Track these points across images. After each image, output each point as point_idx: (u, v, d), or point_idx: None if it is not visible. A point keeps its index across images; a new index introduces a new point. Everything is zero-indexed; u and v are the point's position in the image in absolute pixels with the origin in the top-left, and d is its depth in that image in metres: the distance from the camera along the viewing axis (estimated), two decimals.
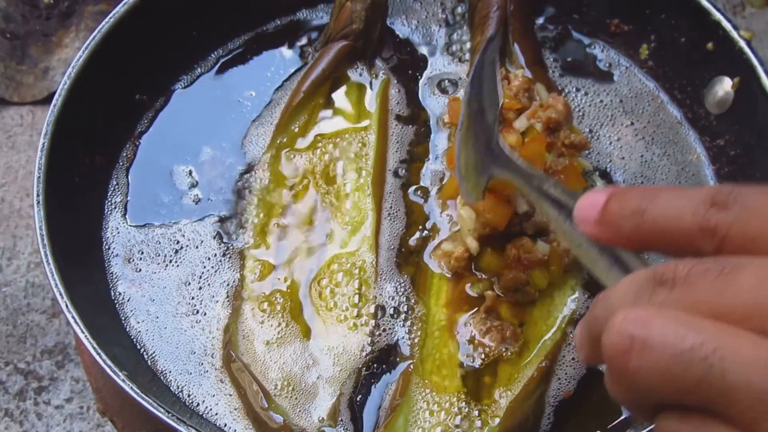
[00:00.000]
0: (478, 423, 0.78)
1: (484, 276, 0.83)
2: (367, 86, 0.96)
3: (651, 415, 0.42)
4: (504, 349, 0.81)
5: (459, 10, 1.00)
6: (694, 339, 0.38)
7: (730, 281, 0.39)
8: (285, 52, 0.99)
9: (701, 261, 0.40)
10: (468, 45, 0.98)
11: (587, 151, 0.90)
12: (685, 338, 0.38)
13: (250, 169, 0.92)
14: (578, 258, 0.54)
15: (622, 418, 0.80)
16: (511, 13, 0.95)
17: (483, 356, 0.80)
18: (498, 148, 0.72)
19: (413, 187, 0.90)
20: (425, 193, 0.90)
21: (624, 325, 0.40)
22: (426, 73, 0.97)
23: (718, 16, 0.88)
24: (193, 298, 0.85)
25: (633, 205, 0.45)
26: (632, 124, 0.94)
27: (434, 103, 0.95)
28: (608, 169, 0.91)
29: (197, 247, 0.88)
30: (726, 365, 0.37)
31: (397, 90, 0.96)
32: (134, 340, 0.84)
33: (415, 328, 0.83)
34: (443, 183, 0.89)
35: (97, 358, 0.74)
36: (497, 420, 0.78)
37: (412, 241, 0.87)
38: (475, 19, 0.96)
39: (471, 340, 0.81)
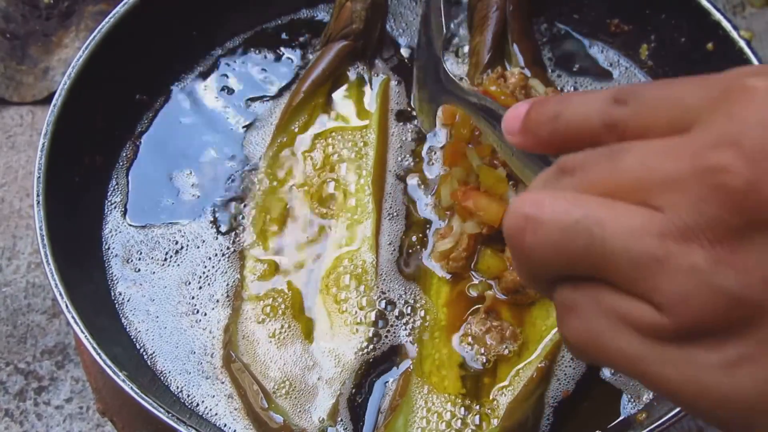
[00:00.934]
0: (478, 423, 0.78)
1: (483, 278, 0.84)
2: (367, 86, 0.97)
3: (551, 290, 0.45)
4: (504, 349, 0.81)
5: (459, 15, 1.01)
6: (579, 213, 0.41)
7: (617, 162, 0.42)
8: (285, 52, 0.99)
9: (596, 149, 0.44)
10: (468, 46, 0.99)
11: None
12: (571, 212, 0.41)
13: (250, 169, 0.92)
14: (511, 168, 0.60)
15: (622, 418, 0.80)
16: (510, 14, 0.95)
17: (484, 357, 0.80)
18: (445, 75, 0.78)
19: (413, 181, 0.90)
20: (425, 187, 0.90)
21: (520, 206, 0.43)
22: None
23: (718, 16, 0.88)
24: (193, 298, 0.85)
25: (549, 111, 0.48)
26: None
27: None
28: None
29: (197, 247, 0.88)
30: (606, 234, 0.40)
31: (397, 90, 0.96)
32: (134, 340, 0.84)
33: (414, 328, 0.83)
34: (438, 185, 0.89)
35: (97, 358, 0.74)
36: (497, 420, 0.78)
37: (413, 241, 0.87)
38: (475, 20, 0.97)
39: (470, 341, 0.81)
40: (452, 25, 0.93)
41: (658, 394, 0.41)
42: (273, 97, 0.96)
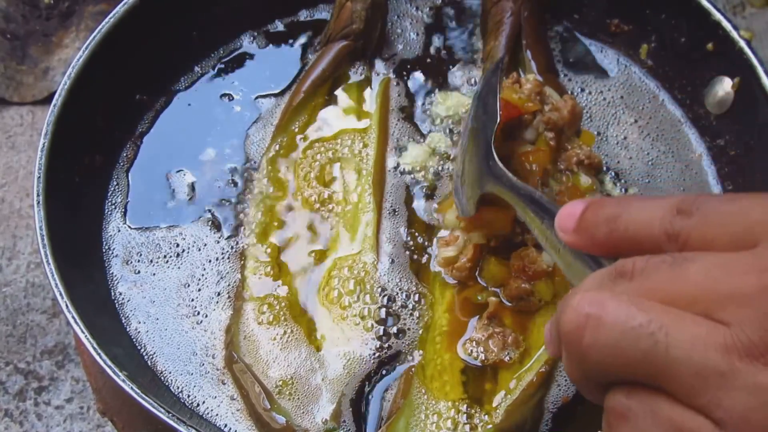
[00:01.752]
0: (478, 425, 0.78)
1: (487, 286, 0.84)
2: (368, 86, 0.96)
3: (602, 394, 0.45)
4: (505, 356, 0.81)
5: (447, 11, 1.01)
6: (642, 318, 0.41)
7: (681, 271, 0.42)
8: (285, 52, 0.99)
9: (658, 255, 0.44)
10: (469, 46, 0.99)
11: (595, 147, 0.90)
12: (634, 317, 0.41)
13: (250, 169, 0.92)
14: (557, 263, 0.59)
15: None
16: (525, 19, 0.95)
17: (483, 355, 0.80)
18: (494, 162, 0.75)
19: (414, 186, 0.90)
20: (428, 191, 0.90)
21: (580, 305, 0.44)
22: (424, 72, 0.98)
23: (718, 16, 0.88)
24: (193, 299, 0.85)
25: (607, 213, 0.48)
26: (636, 121, 0.94)
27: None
28: (617, 171, 0.91)
29: (198, 249, 0.88)
30: (670, 341, 0.40)
31: (397, 90, 0.96)
32: (134, 340, 0.84)
33: (417, 331, 0.83)
34: (441, 199, 0.89)
35: (97, 358, 0.74)
36: (496, 421, 0.78)
37: (416, 241, 0.87)
38: (489, 24, 0.96)
39: (473, 346, 0.81)
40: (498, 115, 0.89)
41: None
42: (273, 97, 0.96)
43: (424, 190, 0.90)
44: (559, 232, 0.52)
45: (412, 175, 0.91)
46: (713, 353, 0.39)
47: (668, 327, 0.40)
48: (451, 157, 0.90)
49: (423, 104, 0.95)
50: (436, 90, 0.96)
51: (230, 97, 0.96)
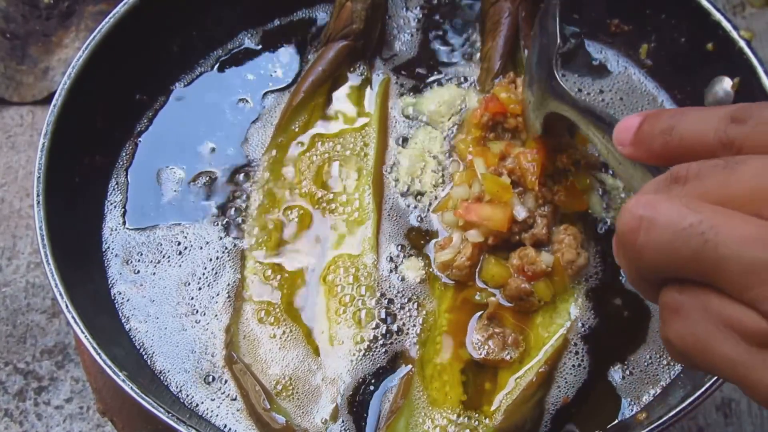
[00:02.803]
0: (478, 426, 0.78)
1: (487, 287, 0.84)
2: (368, 86, 0.96)
3: (656, 291, 0.47)
4: (506, 355, 0.81)
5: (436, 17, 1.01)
6: (693, 218, 0.43)
7: (734, 173, 0.44)
8: (285, 52, 0.99)
9: (711, 160, 0.46)
10: (468, 46, 0.99)
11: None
12: (685, 217, 0.43)
13: (250, 169, 0.92)
14: (617, 174, 0.64)
15: (621, 419, 0.80)
16: (523, 19, 0.95)
17: (485, 354, 0.80)
18: (556, 82, 0.79)
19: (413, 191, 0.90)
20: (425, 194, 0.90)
21: (634, 207, 0.46)
22: (424, 72, 0.98)
23: (718, 16, 0.88)
24: (192, 298, 0.85)
25: (662, 125, 0.50)
26: None
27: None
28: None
29: (198, 248, 0.88)
30: (720, 239, 0.42)
31: (397, 90, 0.96)
32: (134, 340, 0.84)
33: (417, 332, 0.83)
34: (439, 200, 0.89)
35: (97, 358, 0.74)
36: (495, 422, 0.78)
37: (413, 241, 0.87)
38: (487, 25, 0.96)
39: (473, 346, 0.81)
40: (565, 34, 0.90)
41: (756, 401, 0.43)
42: (273, 96, 0.96)
43: (422, 190, 0.90)
44: (618, 146, 0.53)
45: (409, 182, 0.91)
46: (761, 250, 0.41)
47: (718, 226, 0.42)
48: (522, 86, 0.90)
49: (420, 102, 0.95)
50: (435, 85, 0.96)
51: (230, 97, 0.96)
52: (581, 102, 0.75)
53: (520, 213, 0.82)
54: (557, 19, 0.83)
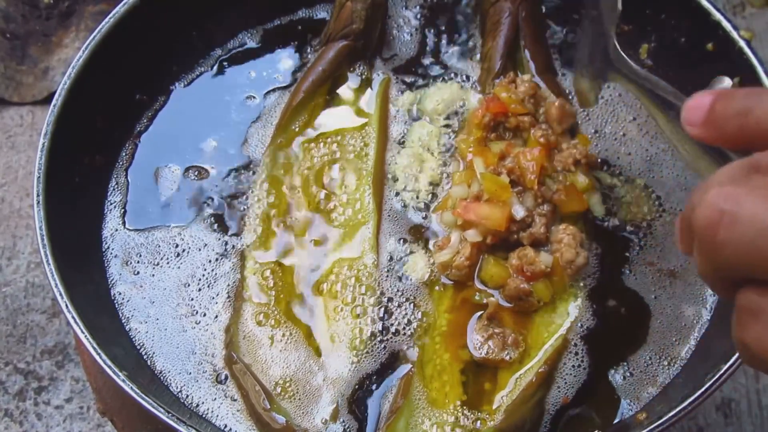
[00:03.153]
0: (478, 427, 0.78)
1: (486, 287, 0.84)
2: (368, 86, 0.96)
3: (732, 291, 0.44)
4: (506, 355, 0.81)
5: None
6: None
7: None
8: (285, 51, 0.99)
9: None
10: (468, 46, 0.99)
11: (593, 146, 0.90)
12: None
13: (250, 169, 0.92)
14: (682, 155, 0.58)
15: (621, 419, 0.80)
16: (523, 19, 0.95)
17: (485, 354, 0.80)
18: (615, 52, 0.74)
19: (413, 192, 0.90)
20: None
21: (716, 200, 0.42)
22: (424, 72, 0.98)
23: (718, 16, 0.88)
24: (192, 299, 0.85)
25: (738, 107, 0.47)
26: (634, 119, 0.93)
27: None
28: (616, 165, 0.91)
29: (198, 249, 0.88)
30: None
31: (397, 89, 0.96)
32: (134, 340, 0.84)
33: (417, 332, 0.83)
34: (438, 200, 0.89)
35: (97, 358, 0.74)
36: (495, 422, 0.78)
37: (413, 241, 0.87)
38: (487, 25, 0.96)
39: (472, 347, 0.81)
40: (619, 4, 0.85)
41: None
42: (273, 95, 0.96)
43: (422, 190, 0.90)
44: (686, 126, 0.50)
45: (409, 182, 0.91)
46: None
47: None
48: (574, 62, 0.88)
49: (420, 102, 0.95)
50: (435, 85, 0.96)
51: (230, 96, 0.96)
52: (643, 74, 0.71)
53: (519, 212, 0.82)
54: None
